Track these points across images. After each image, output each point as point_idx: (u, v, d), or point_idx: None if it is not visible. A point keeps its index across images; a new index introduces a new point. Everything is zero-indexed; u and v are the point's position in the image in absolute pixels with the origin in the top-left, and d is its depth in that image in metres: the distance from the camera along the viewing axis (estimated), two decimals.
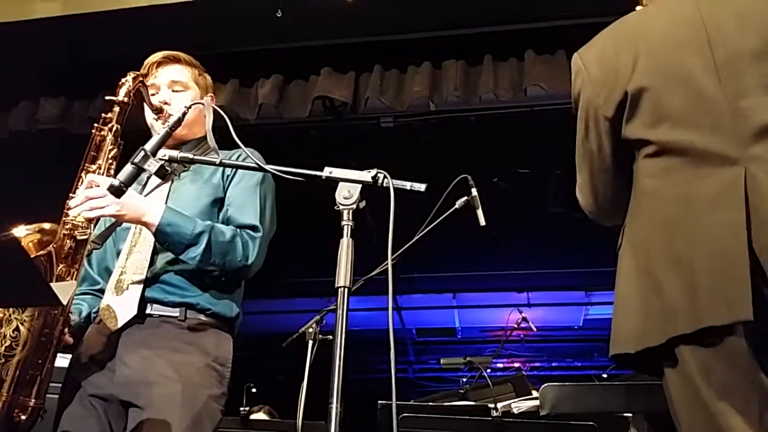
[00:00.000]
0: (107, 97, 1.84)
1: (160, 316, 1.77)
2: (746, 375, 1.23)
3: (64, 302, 1.47)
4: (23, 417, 1.58)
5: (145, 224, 1.75)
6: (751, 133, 1.29)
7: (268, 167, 1.47)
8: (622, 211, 1.47)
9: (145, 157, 1.54)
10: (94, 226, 1.76)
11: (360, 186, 1.37)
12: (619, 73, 1.45)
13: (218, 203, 1.91)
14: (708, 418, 1.23)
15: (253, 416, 3.40)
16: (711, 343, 1.24)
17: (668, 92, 1.39)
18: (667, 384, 1.33)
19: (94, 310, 1.87)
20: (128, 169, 1.56)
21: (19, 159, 4.06)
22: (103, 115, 1.83)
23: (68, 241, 1.67)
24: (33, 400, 1.60)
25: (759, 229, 1.22)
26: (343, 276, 1.28)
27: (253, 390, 3.14)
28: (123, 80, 1.85)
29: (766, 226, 1.22)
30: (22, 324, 1.58)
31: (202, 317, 1.80)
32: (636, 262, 1.37)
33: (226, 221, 1.86)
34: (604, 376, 4.10)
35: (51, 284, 1.39)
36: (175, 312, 1.78)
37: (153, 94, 1.99)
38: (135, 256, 1.84)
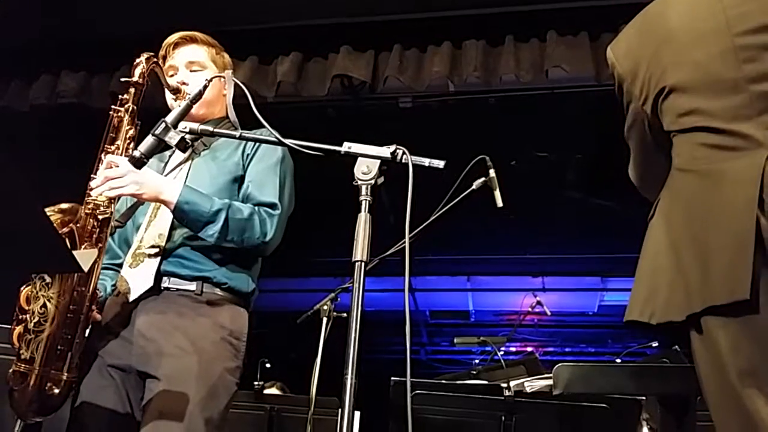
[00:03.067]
0: (122, 79, 1.86)
1: (177, 289, 1.79)
2: None
3: (86, 269, 1.49)
4: (56, 390, 1.62)
5: (164, 202, 1.77)
6: None
7: (287, 141, 1.48)
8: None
9: (166, 129, 1.55)
10: (117, 202, 1.79)
11: (378, 161, 1.37)
12: (649, 68, 1.48)
13: (238, 181, 1.92)
14: (734, 397, 1.24)
15: (266, 391, 3.44)
16: (739, 320, 1.25)
17: (693, 83, 1.41)
18: (696, 358, 1.34)
19: (113, 284, 1.89)
20: (149, 140, 1.57)
21: (39, 132, 4.10)
22: (120, 96, 1.85)
23: (91, 220, 1.70)
24: (66, 374, 1.64)
25: None
26: (360, 250, 1.29)
27: (268, 365, 3.17)
28: (137, 61, 1.86)
29: None
30: (49, 301, 1.61)
31: (218, 291, 1.82)
32: (667, 235, 1.39)
33: (246, 199, 1.88)
34: (618, 362, 4.10)
35: (74, 252, 1.40)
36: (192, 285, 1.79)
37: (171, 75, 2.00)
38: (152, 230, 1.86)
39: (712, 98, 1.37)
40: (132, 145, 1.80)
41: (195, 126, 1.58)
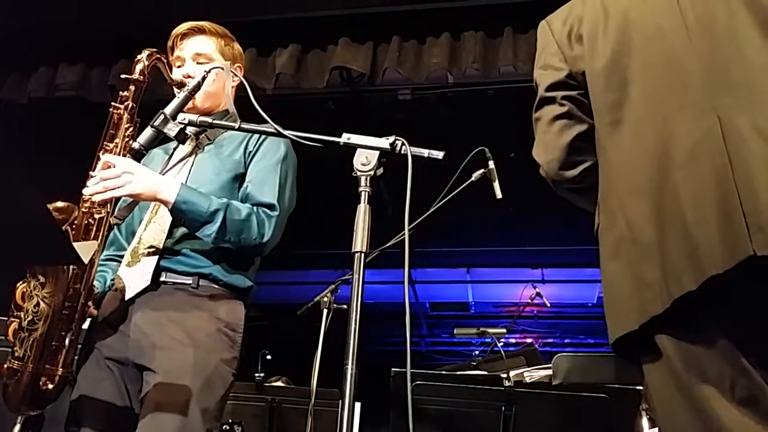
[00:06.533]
0: (122, 75, 1.85)
1: (174, 283, 1.80)
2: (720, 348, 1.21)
3: (86, 261, 1.49)
4: (50, 385, 1.63)
5: (162, 201, 1.77)
6: (722, 87, 1.27)
7: (287, 132, 1.48)
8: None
9: (165, 121, 1.55)
10: (114, 202, 1.78)
11: (378, 152, 1.37)
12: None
13: (239, 179, 1.92)
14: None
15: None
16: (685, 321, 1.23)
17: (636, 57, 1.38)
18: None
19: (112, 276, 1.90)
20: (148, 132, 1.57)
21: (37, 124, 4.09)
22: (119, 93, 1.84)
23: (87, 218, 1.70)
24: (60, 369, 1.65)
25: (741, 172, 1.20)
26: (360, 241, 1.29)
27: (268, 357, 3.18)
28: (138, 57, 1.85)
29: (747, 167, 1.20)
30: (42, 300, 1.62)
31: (215, 286, 1.83)
32: (619, 235, 1.34)
33: (245, 198, 1.88)
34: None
35: (74, 244, 1.41)
36: (188, 280, 1.80)
37: (179, 66, 1.99)
38: (153, 226, 1.87)
39: (657, 75, 1.36)
40: (131, 143, 1.79)
41: (194, 117, 1.58)
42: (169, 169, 1.91)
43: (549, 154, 1.52)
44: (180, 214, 1.76)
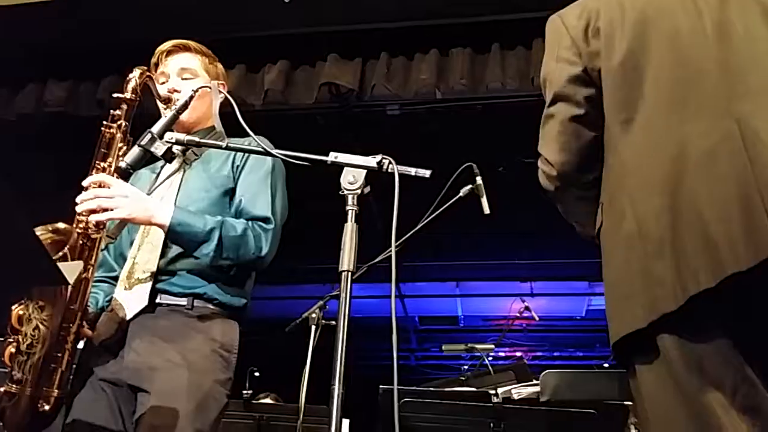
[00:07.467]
0: (114, 95, 1.84)
1: (168, 305, 1.80)
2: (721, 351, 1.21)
3: (71, 281, 1.49)
4: (47, 407, 1.62)
5: (157, 225, 1.77)
6: (739, 92, 1.28)
7: (274, 151, 1.48)
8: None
9: (152, 140, 1.55)
10: (105, 226, 1.77)
11: (365, 171, 1.38)
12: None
13: (229, 193, 1.91)
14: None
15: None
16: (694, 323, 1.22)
17: (653, 56, 1.38)
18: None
19: (107, 298, 1.89)
20: (135, 151, 1.57)
21: (25, 141, 4.08)
22: (111, 112, 1.83)
23: (82, 238, 1.69)
24: (56, 391, 1.64)
25: (762, 172, 1.20)
26: (346, 260, 1.29)
27: (256, 374, 3.16)
28: (129, 76, 1.85)
29: (766, 169, 1.20)
30: (42, 323, 1.61)
31: (210, 306, 1.82)
32: (627, 232, 1.32)
33: (239, 213, 1.88)
34: (606, 366, 4.11)
35: (58, 264, 1.40)
36: (183, 301, 1.80)
37: (163, 83, 1.99)
38: (146, 247, 1.86)
39: (673, 77, 1.37)
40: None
41: (181, 137, 1.58)
42: (157, 187, 1.91)
43: (564, 154, 1.48)
44: (176, 237, 1.76)
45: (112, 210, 1.68)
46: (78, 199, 1.70)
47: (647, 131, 1.35)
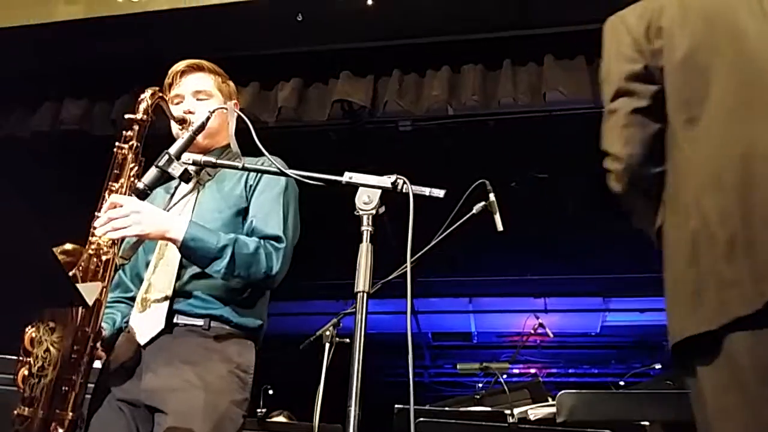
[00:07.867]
0: (126, 116, 1.85)
1: (185, 325, 1.80)
2: None
3: (90, 302, 1.49)
4: (61, 430, 1.61)
5: (170, 240, 1.77)
6: None
7: (289, 172, 1.49)
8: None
9: (169, 161, 1.56)
10: (120, 243, 1.79)
11: (380, 191, 1.38)
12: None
13: (242, 213, 1.92)
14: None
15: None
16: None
17: (720, 57, 1.36)
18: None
19: (125, 319, 1.89)
20: (152, 172, 1.58)
21: (41, 159, 4.12)
22: (123, 132, 1.84)
23: (95, 260, 1.70)
24: (70, 413, 1.63)
25: None
26: (362, 281, 1.29)
27: (270, 392, 3.15)
28: (141, 97, 1.85)
29: None
30: (52, 345, 1.61)
31: (226, 327, 1.82)
32: (693, 232, 1.29)
33: (251, 232, 1.88)
34: (621, 383, 4.07)
35: (78, 285, 1.41)
36: (200, 322, 1.80)
37: (178, 103, 2.00)
38: (162, 269, 1.87)
39: (735, 69, 1.36)
40: (136, 182, 1.80)
41: (198, 158, 1.59)
42: (172, 207, 1.92)
43: (630, 146, 1.43)
44: (189, 252, 1.76)
45: (125, 228, 1.69)
46: (95, 225, 1.71)
47: (712, 130, 1.33)
